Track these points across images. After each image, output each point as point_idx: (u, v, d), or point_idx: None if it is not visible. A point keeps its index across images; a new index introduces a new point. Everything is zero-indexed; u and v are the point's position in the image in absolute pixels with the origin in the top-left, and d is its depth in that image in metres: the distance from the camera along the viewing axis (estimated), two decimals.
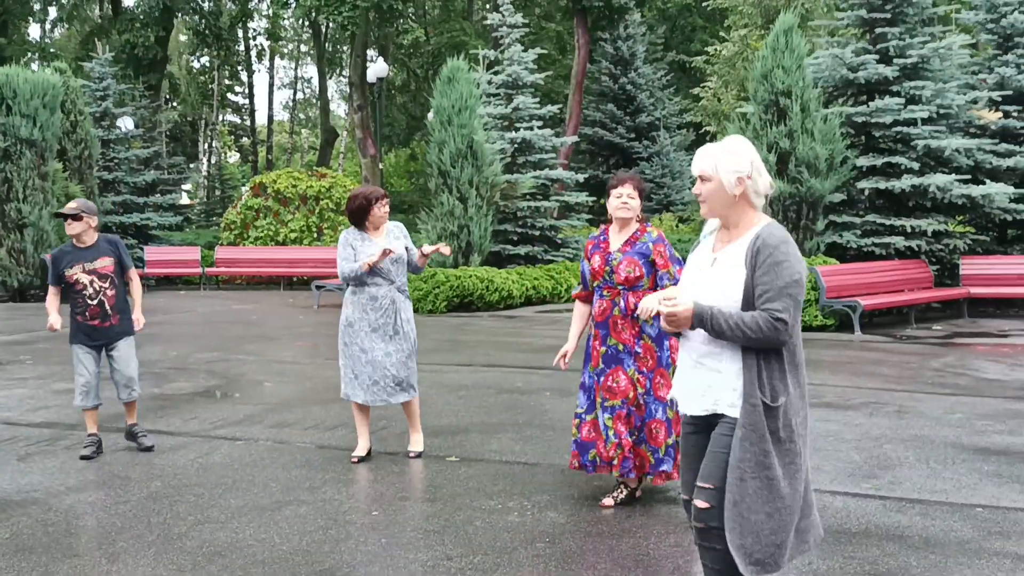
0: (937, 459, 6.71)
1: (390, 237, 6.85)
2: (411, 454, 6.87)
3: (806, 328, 13.60)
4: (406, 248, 6.92)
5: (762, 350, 3.49)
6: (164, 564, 4.83)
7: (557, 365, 5.90)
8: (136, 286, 7.22)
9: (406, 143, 47.03)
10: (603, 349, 5.67)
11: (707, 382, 3.61)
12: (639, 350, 5.60)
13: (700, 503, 3.55)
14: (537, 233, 19.68)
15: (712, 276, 3.62)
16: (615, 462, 5.58)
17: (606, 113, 34.54)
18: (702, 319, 3.49)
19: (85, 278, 6.92)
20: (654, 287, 5.61)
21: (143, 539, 5.21)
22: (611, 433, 5.59)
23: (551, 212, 20.34)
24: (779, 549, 3.49)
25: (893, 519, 5.48)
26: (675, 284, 5.35)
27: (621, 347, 5.63)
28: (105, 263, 6.97)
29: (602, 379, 5.66)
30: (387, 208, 6.89)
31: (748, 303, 3.49)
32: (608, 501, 5.76)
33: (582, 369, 5.90)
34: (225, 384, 9.86)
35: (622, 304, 5.63)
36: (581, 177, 22.00)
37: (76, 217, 6.91)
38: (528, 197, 19.66)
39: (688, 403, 3.70)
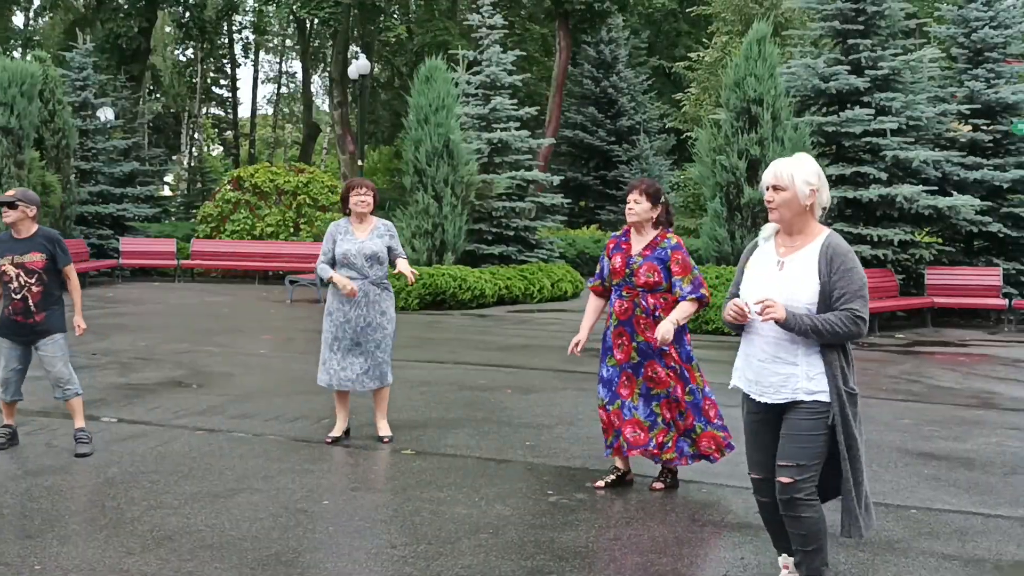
0: (880, 462, 6.88)
1: (374, 235, 7.13)
2: (384, 439, 7.20)
3: None
4: (389, 248, 7.16)
5: (838, 347, 4.05)
6: (114, 547, 4.95)
7: (572, 354, 6.13)
8: (74, 286, 6.87)
9: (390, 141, 47.07)
10: (634, 344, 5.89)
11: (785, 374, 4.11)
12: (665, 348, 5.83)
13: (784, 479, 4.09)
14: (512, 233, 19.81)
15: (782, 279, 4.11)
16: (668, 445, 5.93)
17: (587, 116, 34.70)
18: (792, 322, 4.00)
19: (12, 271, 6.63)
20: (670, 291, 5.88)
21: (96, 523, 5.33)
22: (660, 420, 5.92)
23: (527, 213, 20.48)
24: (867, 515, 4.16)
25: (829, 518, 5.62)
26: (693, 292, 5.83)
27: (647, 343, 5.86)
28: (34, 258, 6.64)
29: (641, 371, 5.91)
30: (366, 198, 7.13)
31: (824, 304, 4.02)
32: (600, 483, 6.10)
33: (600, 363, 6.08)
34: (191, 375, 9.96)
35: (644, 303, 5.86)
36: (558, 179, 22.14)
37: (12, 205, 6.61)
38: (504, 197, 19.79)
39: (762, 392, 4.20)
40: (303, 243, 21.71)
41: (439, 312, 16.32)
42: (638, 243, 6.04)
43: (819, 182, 4.10)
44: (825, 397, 4.06)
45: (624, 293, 5.94)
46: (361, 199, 7.18)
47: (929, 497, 6.09)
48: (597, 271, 6.29)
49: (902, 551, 5.12)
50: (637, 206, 6.01)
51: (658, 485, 6.11)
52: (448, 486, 6.13)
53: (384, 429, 7.30)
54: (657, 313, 5.83)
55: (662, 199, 6.06)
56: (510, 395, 9.22)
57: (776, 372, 4.13)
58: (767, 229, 4.25)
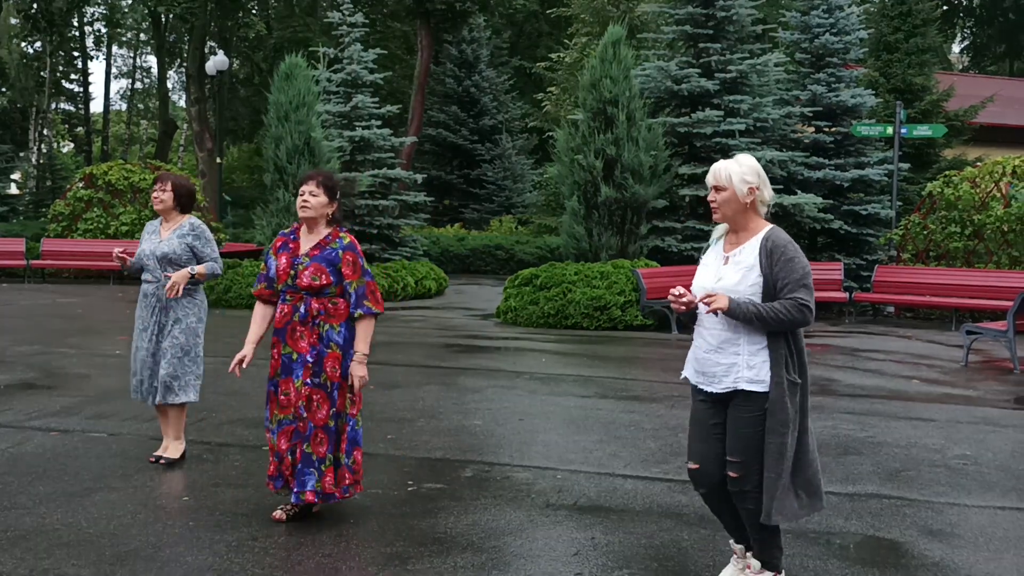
0: None
1: (174, 235, 6.48)
2: (162, 460, 6.49)
3: (626, 327, 14.25)
4: (193, 249, 6.49)
5: (783, 336, 4.19)
6: None
7: (232, 372, 5.46)
8: None
9: (250, 138, 46.34)
10: (279, 358, 5.33)
11: (727, 364, 4.26)
12: (310, 360, 5.26)
13: (731, 473, 4.26)
14: (375, 231, 19.84)
15: (731, 272, 4.27)
16: (279, 482, 5.38)
17: (450, 115, 34.93)
18: (736, 311, 4.15)
19: None
20: (342, 295, 5.32)
21: None
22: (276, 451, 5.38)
23: (390, 211, 20.54)
24: (784, 503, 4.21)
25: (675, 499, 5.97)
26: (358, 306, 5.24)
27: (295, 356, 5.28)
28: None
29: (277, 390, 5.36)
30: (161, 195, 6.50)
31: (768, 295, 4.18)
32: (279, 514, 5.43)
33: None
34: (44, 376, 9.73)
35: (303, 309, 5.27)
36: (421, 177, 22.26)
37: None
38: (367, 195, 19.80)
39: (707, 383, 4.32)
40: None
41: None
42: (307, 242, 5.38)
43: (758, 180, 4.28)
44: (765, 388, 4.19)
45: (288, 297, 5.32)
46: (155, 195, 6.54)
47: None
48: (261, 273, 5.51)
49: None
50: (313, 199, 5.32)
51: (279, 515, 5.42)
52: None
53: (170, 450, 6.57)
54: (318, 320, 5.26)
55: (339, 194, 5.45)
56: (373, 391, 9.29)
57: (719, 362, 4.27)
58: (718, 230, 4.44)
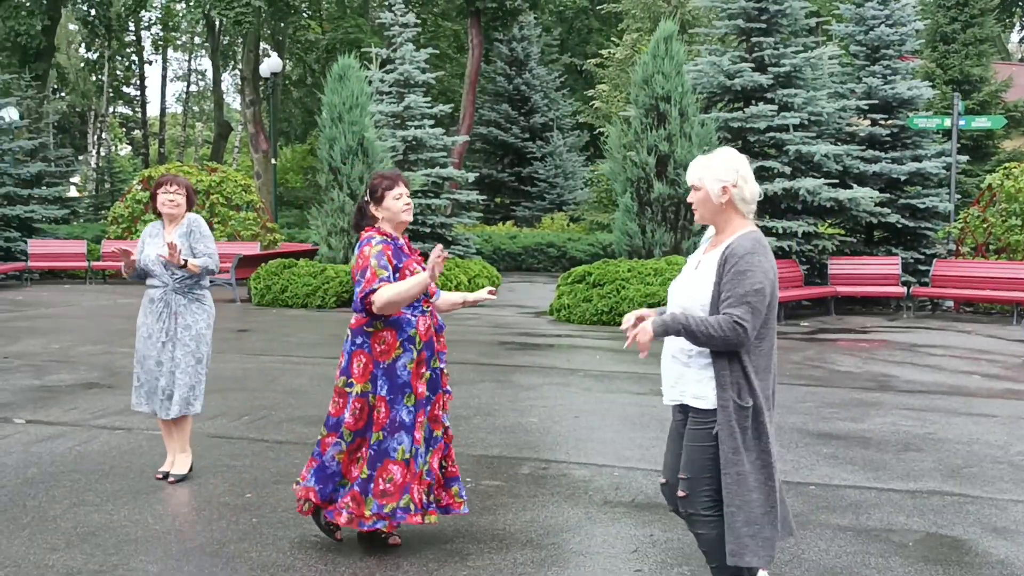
0: (782, 443, 7.22)
1: (175, 235, 6.18)
2: (171, 479, 6.15)
3: None
4: (190, 244, 6.18)
5: (730, 355, 3.81)
6: (38, 544, 5.01)
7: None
8: None
9: (303, 139, 46.80)
10: (427, 374, 4.87)
11: (676, 374, 3.99)
12: (445, 368, 5.05)
13: (680, 492, 3.97)
14: (428, 230, 19.97)
15: (693, 278, 3.97)
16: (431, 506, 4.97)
17: (501, 113, 35.01)
18: (666, 330, 3.83)
19: None
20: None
21: (18, 521, 5.37)
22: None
23: (443, 210, 20.64)
24: (752, 540, 3.84)
25: None
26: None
27: (440, 368, 4.97)
28: None
29: (428, 412, 4.89)
30: (176, 198, 6.18)
31: (715, 306, 3.81)
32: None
33: (393, 407, 4.80)
34: (107, 376, 9.92)
35: (439, 319, 5.01)
36: (473, 176, 22.35)
37: None
38: (419, 194, 19.93)
39: (665, 392, 4.09)
40: (217, 243, 21.47)
41: None
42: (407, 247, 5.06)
43: (735, 177, 3.90)
44: (709, 405, 3.87)
45: (425, 307, 4.91)
46: (169, 199, 6.18)
47: (828, 474, 6.43)
48: (384, 276, 4.72)
49: (800, 524, 5.42)
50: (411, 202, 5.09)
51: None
52: None
53: (178, 464, 6.25)
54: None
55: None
56: None
57: (670, 370, 4.03)
58: (709, 230, 4.11)
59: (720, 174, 3.90)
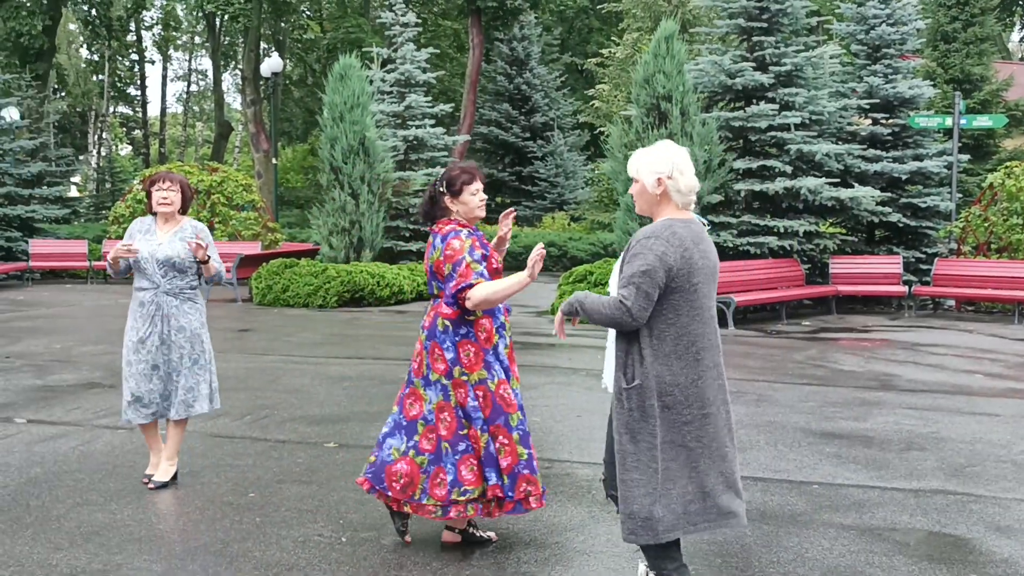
0: (785, 442, 7.23)
1: (176, 237, 6.00)
2: (154, 484, 5.99)
3: None
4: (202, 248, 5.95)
5: (629, 338, 3.87)
6: (42, 543, 5.01)
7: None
8: None
9: (304, 138, 46.80)
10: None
11: (607, 360, 4.17)
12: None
13: (601, 475, 4.07)
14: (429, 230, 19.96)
15: (617, 266, 4.08)
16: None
17: (501, 112, 35.00)
18: (570, 309, 3.93)
19: None
20: None
21: (21, 521, 5.37)
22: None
23: None
24: (630, 520, 3.88)
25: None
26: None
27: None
28: None
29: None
30: (171, 195, 5.99)
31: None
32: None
33: (500, 384, 4.82)
34: (109, 376, 9.92)
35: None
36: None
37: None
38: (420, 194, 19.92)
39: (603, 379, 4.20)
40: (218, 242, 21.50)
41: (358, 309, 16.39)
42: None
43: (671, 169, 3.90)
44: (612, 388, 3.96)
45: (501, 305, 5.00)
46: (163, 196, 5.98)
47: (831, 473, 6.43)
48: (479, 271, 4.74)
49: (804, 523, 5.43)
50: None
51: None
52: None
53: (160, 471, 6.06)
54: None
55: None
56: None
57: (606, 358, 4.20)
58: None
59: (656, 166, 3.92)
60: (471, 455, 4.78)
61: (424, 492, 4.77)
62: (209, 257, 5.95)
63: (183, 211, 6.13)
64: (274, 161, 28.57)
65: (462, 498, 4.74)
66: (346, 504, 5.69)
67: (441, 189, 4.91)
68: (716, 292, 3.95)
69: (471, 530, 5.09)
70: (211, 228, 22.19)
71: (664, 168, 3.92)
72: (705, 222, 4.17)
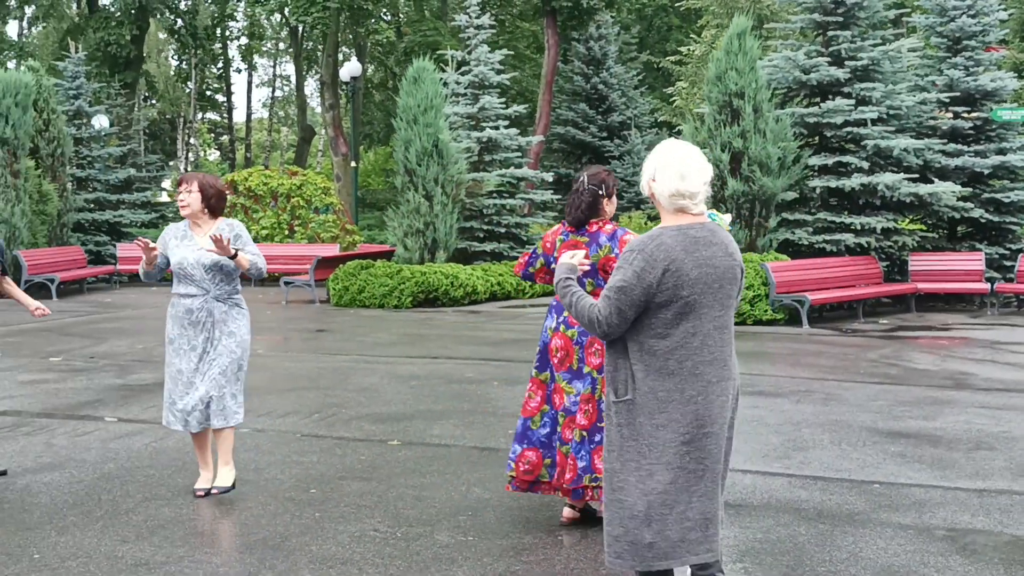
0: (849, 441, 7.14)
1: (207, 237, 5.85)
2: (214, 491, 5.91)
3: (756, 322, 14.04)
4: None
5: (618, 352, 3.66)
6: (109, 536, 5.21)
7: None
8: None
9: (385, 141, 47.32)
10: None
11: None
12: None
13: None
14: (503, 230, 20.06)
15: None
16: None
17: (578, 112, 34.94)
18: (561, 293, 3.83)
19: None
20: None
21: (92, 514, 5.58)
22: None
23: (519, 210, 20.73)
24: (616, 542, 3.65)
25: (795, 494, 5.91)
26: None
27: None
28: None
29: None
30: (187, 196, 5.88)
31: None
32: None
33: (576, 380, 5.24)
34: None
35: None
36: (550, 176, 22.39)
37: None
38: (494, 195, 20.04)
39: None
40: (298, 245, 21.95)
41: (432, 309, 16.56)
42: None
43: (652, 172, 3.70)
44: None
45: None
46: (181, 198, 5.91)
47: (893, 472, 6.35)
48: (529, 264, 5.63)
49: (861, 522, 5.37)
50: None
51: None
52: (431, 473, 6.39)
53: (221, 477, 5.96)
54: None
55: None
56: (497, 387, 9.47)
57: None
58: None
59: (645, 170, 3.75)
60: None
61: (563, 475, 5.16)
62: (237, 251, 5.78)
63: (214, 213, 5.96)
64: (353, 164, 28.98)
65: (593, 484, 5.03)
66: (404, 500, 5.79)
67: (601, 192, 5.26)
68: (733, 298, 3.71)
69: (591, 505, 5.33)
70: (291, 231, 22.62)
71: (647, 172, 3.73)
72: (720, 218, 4.09)
